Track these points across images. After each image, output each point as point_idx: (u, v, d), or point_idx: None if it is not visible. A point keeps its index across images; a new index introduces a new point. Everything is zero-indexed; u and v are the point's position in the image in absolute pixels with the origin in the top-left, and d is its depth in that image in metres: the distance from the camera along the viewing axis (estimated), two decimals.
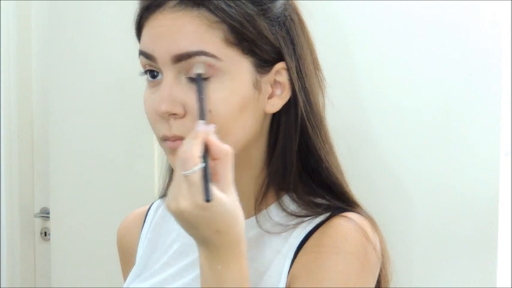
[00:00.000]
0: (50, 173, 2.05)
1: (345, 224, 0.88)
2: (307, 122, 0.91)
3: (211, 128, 0.80)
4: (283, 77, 0.89)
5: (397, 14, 1.29)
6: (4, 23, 2.36)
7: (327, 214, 0.90)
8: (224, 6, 0.84)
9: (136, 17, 0.89)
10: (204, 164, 0.77)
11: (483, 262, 1.24)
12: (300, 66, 0.90)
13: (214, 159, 0.78)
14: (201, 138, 0.78)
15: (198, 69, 0.83)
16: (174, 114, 0.85)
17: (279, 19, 0.88)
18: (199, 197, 0.76)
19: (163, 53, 0.85)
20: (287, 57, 0.89)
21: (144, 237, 1.04)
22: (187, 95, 0.84)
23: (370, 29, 1.32)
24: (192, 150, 0.77)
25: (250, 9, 0.85)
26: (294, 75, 0.89)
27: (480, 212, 1.23)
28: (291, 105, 0.90)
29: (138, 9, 0.89)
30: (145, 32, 0.87)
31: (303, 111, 0.90)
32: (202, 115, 0.81)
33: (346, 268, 0.85)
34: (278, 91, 0.90)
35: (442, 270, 1.27)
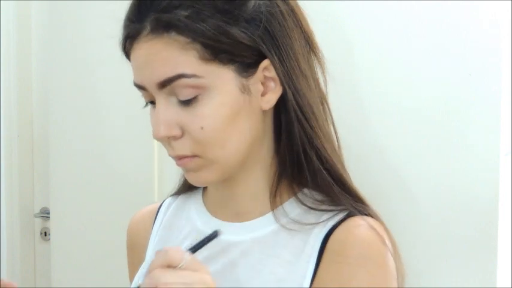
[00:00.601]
0: (50, 173, 2.05)
1: (365, 231, 0.89)
2: (299, 113, 0.90)
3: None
4: (272, 72, 0.89)
5: (396, 14, 1.29)
6: (4, 23, 2.36)
7: (342, 214, 0.91)
8: (193, 26, 0.83)
9: (121, 48, 0.93)
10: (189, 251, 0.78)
11: (483, 262, 1.23)
12: (284, 59, 0.89)
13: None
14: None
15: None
16: (173, 136, 0.87)
17: (254, 19, 0.87)
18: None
19: (148, 81, 0.87)
20: (268, 54, 0.88)
21: (155, 234, 1.05)
22: (180, 115, 0.86)
23: (369, 29, 1.32)
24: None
25: (220, 20, 0.84)
26: (279, 70, 0.89)
27: (480, 212, 1.23)
28: (285, 97, 0.90)
29: (121, 40, 0.92)
30: (131, 62, 0.90)
31: (294, 102, 0.90)
32: None
33: (372, 279, 0.87)
34: (272, 85, 0.90)
35: (442, 270, 1.27)
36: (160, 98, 0.87)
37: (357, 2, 1.32)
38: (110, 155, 1.86)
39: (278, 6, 0.89)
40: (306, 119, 0.91)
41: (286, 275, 0.89)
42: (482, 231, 1.23)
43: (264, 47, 0.87)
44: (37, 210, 2.45)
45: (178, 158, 0.88)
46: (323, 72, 0.96)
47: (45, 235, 2.44)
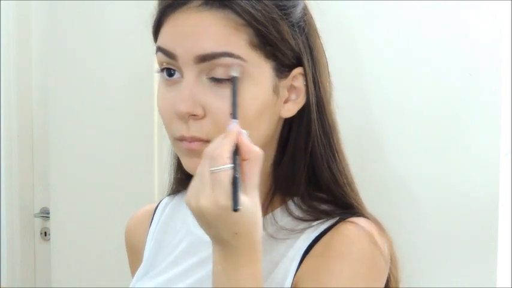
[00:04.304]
0: (50, 173, 2.05)
1: (353, 229, 0.88)
2: (319, 130, 0.91)
3: (244, 132, 0.79)
4: (299, 82, 0.89)
5: (396, 14, 1.29)
6: (4, 23, 2.36)
7: (335, 219, 0.90)
8: (250, 9, 0.83)
9: (156, 14, 0.88)
10: (232, 165, 0.76)
11: (483, 262, 1.23)
12: (316, 72, 0.90)
13: (243, 159, 0.77)
14: (232, 137, 0.78)
15: (234, 72, 0.82)
16: (194, 115, 0.84)
17: (299, 24, 0.89)
18: (223, 198, 0.74)
19: (186, 52, 0.84)
20: (305, 62, 0.89)
21: (152, 236, 1.04)
22: (208, 96, 0.84)
23: (369, 29, 1.32)
24: (222, 148, 0.76)
25: (275, 13, 0.85)
26: (310, 81, 0.89)
27: (480, 212, 1.23)
28: (304, 111, 0.90)
29: (159, 6, 0.88)
30: (166, 29, 0.86)
31: (315, 118, 0.90)
32: (235, 115, 0.80)
33: (351, 274, 0.85)
34: (293, 96, 0.90)
35: (442, 270, 1.27)
36: (191, 73, 0.84)
37: (357, 3, 1.32)
38: (110, 154, 1.86)
39: (312, 19, 0.92)
40: (324, 135, 0.91)
41: (270, 275, 0.88)
42: (482, 231, 1.23)
43: (304, 54, 0.88)
44: (37, 210, 2.45)
45: (191, 140, 0.85)
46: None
47: (45, 235, 2.44)
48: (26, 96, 2.41)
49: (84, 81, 1.89)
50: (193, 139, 0.85)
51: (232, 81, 0.82)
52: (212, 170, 0.75)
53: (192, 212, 0.77)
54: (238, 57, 0.83)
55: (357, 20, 1.33)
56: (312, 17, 0.92)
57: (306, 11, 0.91)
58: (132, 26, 1.62)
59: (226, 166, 0.75)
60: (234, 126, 0.79)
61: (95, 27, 1.85)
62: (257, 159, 0.78)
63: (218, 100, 0.83)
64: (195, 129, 0.84)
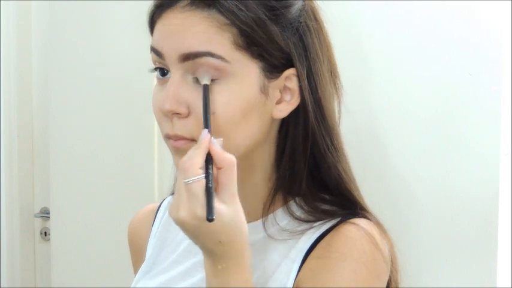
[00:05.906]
0: (50, 173, 2.05)
1: (354, 230, 0.88)
2: (317, 130, 0.91)
3: (219, 140, 0.80)
4: (293, 83, 0.89)
5: (396, 14, 1.29)
6: (4, 23, 2.36)
7: (336, 220, 0.90)
8: (235, 10, 0.84)
9: (149, 14, 0.90)
10: (203, 175, 0.77)
11: (483, 262, 1.23)
12: (311, 73, 0.90)
13: (218, 168, 0.78)
14: (203, 147, 0.79)
15: (204, 80, 0.83)
16: (178, 113, 0.85)
17: (293, 25, 0.88)
18: (199, 209, 0.76)
19: (171, 51, 0.85)
20: (297, 63, 0.88)
21: (154, 234, 1.05)
22: (193, 95, 0.84)
23: (369, 29, 1.32)
24: (194, 159, 0.78)
25: (262, 14, 0.85)
26: (304, 82, 0.89)
27: (480, 211, 1.23)
28: (300, 111, 0.90)
29: (151, 7, 0.89)
30: (157, 28, 0.88)
31: (313, 118, 0.90)
32: (206, 124, 0.81)
33: (353, 275, 0.86)
34: (287, 97, 0.89)
35: (441, 270, 1.28)
36: (177, 72, 0.85)
37: (357, 3, 1.32)
38: (109, 155, 1.86)
39: (316, 20, 0.92)
40: (322, 135, 0.91)
41: (271, 276, 0.89)
42: (482, 231, 1.23)
43: (295, 55, 0.88)
44: (37, 210, 2.45)
45: (175, 139, 0.86)
46: (338, 101, 0.96)
47: (45, 235, 2.44)
48: (26, 96, 2.41)
49: (84, 81, 1.89)
50: (177, 137, 0.86)
51: (203, 89, 0.83)
52: (185, 181, 0.77)
53: (176, 223, 0.79)
54: (219, 57, 0.83)
55: (357, 20, 1.33)
56: (311, 18, 0.91)
57: (303, 12, 0.90)
58: (132, 26, 1.62)
59: (198, 177, 0.77)
60: (206, 135, 0.80)
61: (95, 27, 1.85)
62: (231, 167, 0.79)
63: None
64: (179, 127, 0.85)
